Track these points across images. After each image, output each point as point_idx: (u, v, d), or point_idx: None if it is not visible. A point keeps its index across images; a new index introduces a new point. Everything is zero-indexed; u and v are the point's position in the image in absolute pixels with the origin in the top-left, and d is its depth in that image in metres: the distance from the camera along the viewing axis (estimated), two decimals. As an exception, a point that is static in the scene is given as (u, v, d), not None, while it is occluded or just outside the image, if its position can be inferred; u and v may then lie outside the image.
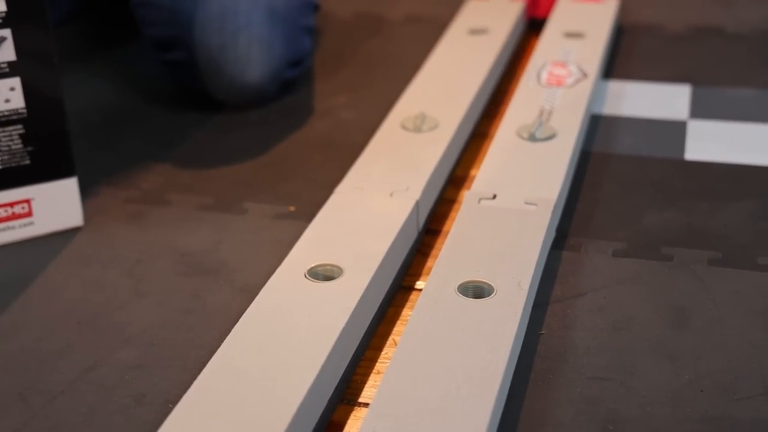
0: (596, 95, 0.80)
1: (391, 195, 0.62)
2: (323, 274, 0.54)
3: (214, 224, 0.64)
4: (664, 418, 0.46)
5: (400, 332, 0.55)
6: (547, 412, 0.47)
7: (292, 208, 0.66)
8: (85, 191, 0.66)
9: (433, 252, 0.63)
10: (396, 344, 0.53)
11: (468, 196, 0.61)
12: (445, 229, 0.65)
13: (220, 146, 0.75)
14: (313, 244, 0.57)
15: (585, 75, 0.78)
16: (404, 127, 0.71)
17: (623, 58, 0.88)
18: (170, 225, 0.64)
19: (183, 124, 0.78)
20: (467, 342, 0.48)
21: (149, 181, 0.70)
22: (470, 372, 0.46)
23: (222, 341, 0.48)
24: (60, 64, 0.61)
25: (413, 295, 0.58)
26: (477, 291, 0.52)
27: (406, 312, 0.57)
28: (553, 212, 0.60)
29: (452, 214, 0.67)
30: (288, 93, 0.82)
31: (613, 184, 0.68)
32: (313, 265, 0.54)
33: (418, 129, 0.71)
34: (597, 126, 0.76)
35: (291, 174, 0.71)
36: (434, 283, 0.53)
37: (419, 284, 0.60)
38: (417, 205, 0.61)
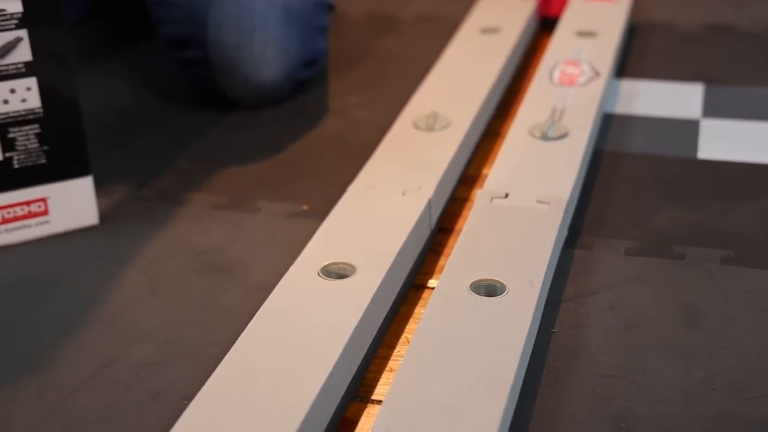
0: (609, 94, 0.80)
1: (404, 194, 0.62)
2: (336, 272, 0.54)
3: (228, 223, 0.65)
4: (676, 416, 0.47)
5: (412, 330, 0.55)
6: (559, 409, 0.47)
7: (305, 207, 0.66)
8: (100, 190, 0.66)
9: (446, 251, 0.63)
10: (409, 342, 0.54)
11: (480, 195, 0.62)
12: (457, 227, 0.66)
13: (234, 145, 0.76)
14: (326, 242, 0.57)
15: (597, 74, 0.78)
16: (416, 126, 0.71)
17: (636, 56, 0.88)
18: (184, 223, 0.65)
19: (197, 123, 0.79)
20: (480, 340, 0.48)
21: (163, 180, 0.71)
22: (483, 370, 0.46)
23: (235, 339, 0.49)
24: (75, 64, 0.61)
25: (426, 294, 0.59)
26: (489, 289, 0.52)
27: (419, 310, 0.57)
28: (566, 211, 0.60)
29: (464, 212, 0.67)
30: (301, 92, 0.83)
31: (626, 183, 0.68)
32: (326, 264, 0.54)
33: (430, 128, 0.71)
34: (609, 125, 0.76)
35: (304, 173, 0.71)
36: (447, 282, 0.53)
37: (432, 282, 0.60)
38: (429, 203, 0.62)
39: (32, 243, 0.63)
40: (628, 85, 0.83)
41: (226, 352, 0.48)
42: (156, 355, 0.51)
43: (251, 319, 0.50)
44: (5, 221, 0.62)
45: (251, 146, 0.75)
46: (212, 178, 0.71)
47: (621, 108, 0.79)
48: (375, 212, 0.60)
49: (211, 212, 0.66)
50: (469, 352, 0.48)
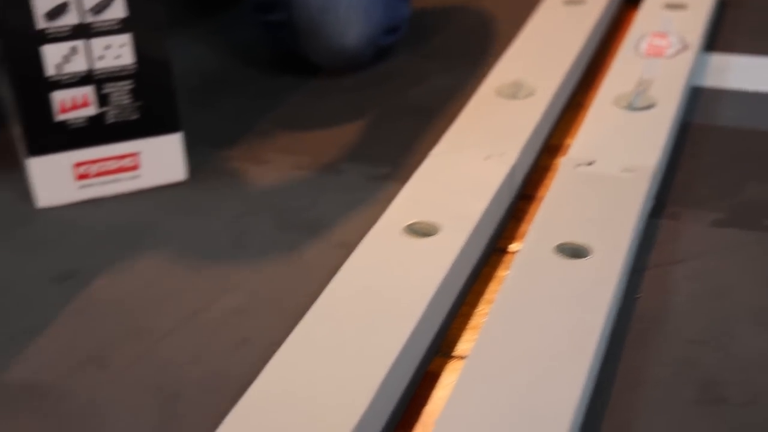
0: (698, 67, 0.78)
1: (487, 159, 0.62)
2: (420, 231, 0.55)
3: (311, 183, 0.66)
4: (763, 383, 0.46)
5: (493, 291, 0.55)
6: (643, 371, 0.47)
7: (386, 170, 0.67)
8: (186, 149, 0.68)
9: (527, 217, 0.63)
10: (490, 302, 0.54)
11: (564, 162, 0.61)
12: (539, 195, 0.65)
13: (316, 110, 0.76)
14: (410, 202, 0.57)
15: (686, 46, 0.77)
16: (500, 94, 0.71)
17: (726, 31, 0.86)
18: (268, 182, 0.66)
19: (279, 87, 0.80)
20: (564, 301, 0.48)
21: (247, 141, 0.72)
22: (567, 329, 0.46)
23: (320, 293, 0.50)
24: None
25: (506, 258, 0.59)
26: (574, 251, 0.52)
27: (500, 273, 0.57)
28: (652, 180, 0.59)
29: (546, 181, 0.67)
30: (383, 59, 0.83)
31: (714, 155, 0.67)
32: (410, 222, 0.55)
33: (513, 96, 0.71)
34: (698, 98, 0.75)
35: (385, 138, 0.72)
36: (531, 243, 0.53)
37: (513, 247, 0.60)
38: (512, 169, 0.61)
39: (123, 196, 0.65)
40: (717, 59, 0.81)
41: (311, 305, 0.49)
42: (243, 304, 0.52)
43: (335, 274, 0.51)
44: (99, 174, 0.64)
45: (333, 111, 0.76)
46: (295, 141, 0.72)
47: (710, 81, 0.77)
48: (458, 175, 0.60)
49: (293, 173, 0.67)
50: (553, 312, 0.48)
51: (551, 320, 0.47)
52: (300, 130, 0.73)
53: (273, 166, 0.68)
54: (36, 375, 0.47)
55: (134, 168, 0.65)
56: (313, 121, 0.75)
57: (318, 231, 0.60)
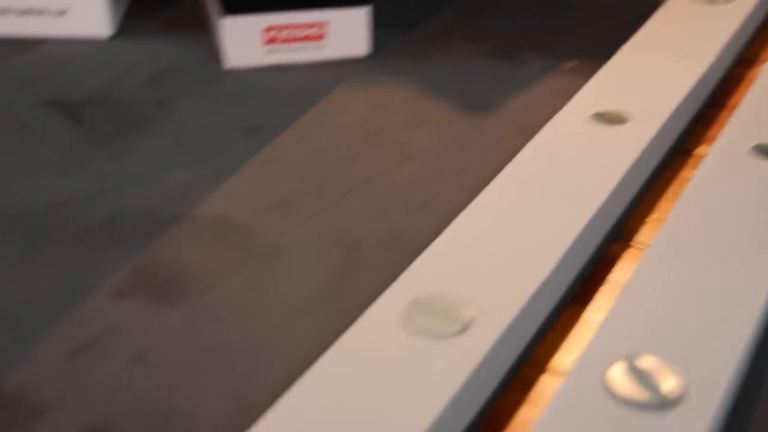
0: None
1: (680, 60, 0.60)
2: (609, 118, 0.53)
3: (492, 69, 0.65)
4: None
5: (677, 189, 0.54)
6: (837, 282, 0.45)
7: (572, 65, 0.65)
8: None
9: (716, 123, 0.60)
10: (673, 199, 0.52)
11: (767, 68, 0.58)
12: (730, 102, 0.62)
13: (500, 5, 0.75)
14: (599, 91, 0.56)
15: None
16: (697, -2, 0.68)
17: None
18: (449, 65, 0.66)
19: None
20: (757, 200, 0.46)
21: (428, 27, 0.71)
22: (759, 227, 0.44)
23: (499, 172, 0.49)
24: None
25: (692, 160, 0.57)
26: (774, 154, 0.50)
27: (685, 173, 0.55)
28: None
29: (739, 91, 0.64)
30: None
31: None
32: (598, 110, 0.54)
33: (712, 1, 0.67)
34: None
35: (572, 35, 0.70)
36: (726, 142, 0.51)
37: (699, 150, 0.58)
38: (706, 72, 0.59)
39: (306, 65, 0.66)
40: None
41: (490, 181, 0.49)
42: (423, 172, 0.53)
43: (515, 155, 0.51)
44: (285, 41, 0.65)
45: (518, 7, 0.74)
46: (477, 30, 0.71)
47: None
48: (648, 73, 0.58)
49: (475, 59, 0.67)
50: (745, 210, 0.46)
51: (742, 218, 0.45)
52: (483, 21, 0.72)
53: (454, 52, 0.68)
54: (224, 212, 0.49)
55: (320, 38, 0.66)
56: (497, 14, 0.73)
57: (499, 114, 0.59)
